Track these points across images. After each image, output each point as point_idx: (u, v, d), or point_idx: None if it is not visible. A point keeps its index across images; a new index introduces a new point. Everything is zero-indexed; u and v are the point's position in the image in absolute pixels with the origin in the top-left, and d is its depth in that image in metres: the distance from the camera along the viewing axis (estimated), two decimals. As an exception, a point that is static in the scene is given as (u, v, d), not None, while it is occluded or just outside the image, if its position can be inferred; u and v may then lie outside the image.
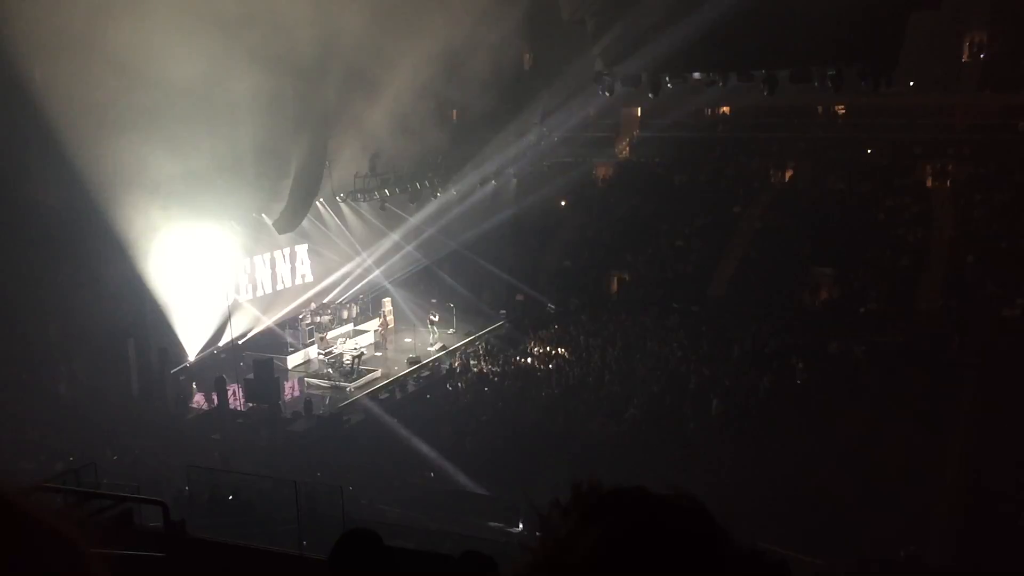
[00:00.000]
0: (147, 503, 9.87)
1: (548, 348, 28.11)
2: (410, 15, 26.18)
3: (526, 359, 27.61)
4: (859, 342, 25.48)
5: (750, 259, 31.15)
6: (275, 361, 26.31)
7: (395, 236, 32.32)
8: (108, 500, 9.26)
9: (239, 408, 25.11)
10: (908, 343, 24.91)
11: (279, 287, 30.77)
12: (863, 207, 32.17)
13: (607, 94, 25.10)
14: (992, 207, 30.56)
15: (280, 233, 29.81)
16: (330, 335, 28.32)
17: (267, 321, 29.03)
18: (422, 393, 26.36)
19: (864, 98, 29.30)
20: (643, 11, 22.48)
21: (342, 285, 32.06)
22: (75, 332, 24.19)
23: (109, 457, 19.70)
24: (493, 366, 27.26)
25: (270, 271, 30.50)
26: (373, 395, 25.71)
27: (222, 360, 27.16)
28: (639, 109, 38.63)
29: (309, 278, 31.96)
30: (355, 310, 30.87)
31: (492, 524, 17.46)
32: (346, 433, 23.16)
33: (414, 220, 32.62)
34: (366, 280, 32.13)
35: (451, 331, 30.29)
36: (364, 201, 30.89)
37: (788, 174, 36.03)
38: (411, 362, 27.76)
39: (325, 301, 31.10)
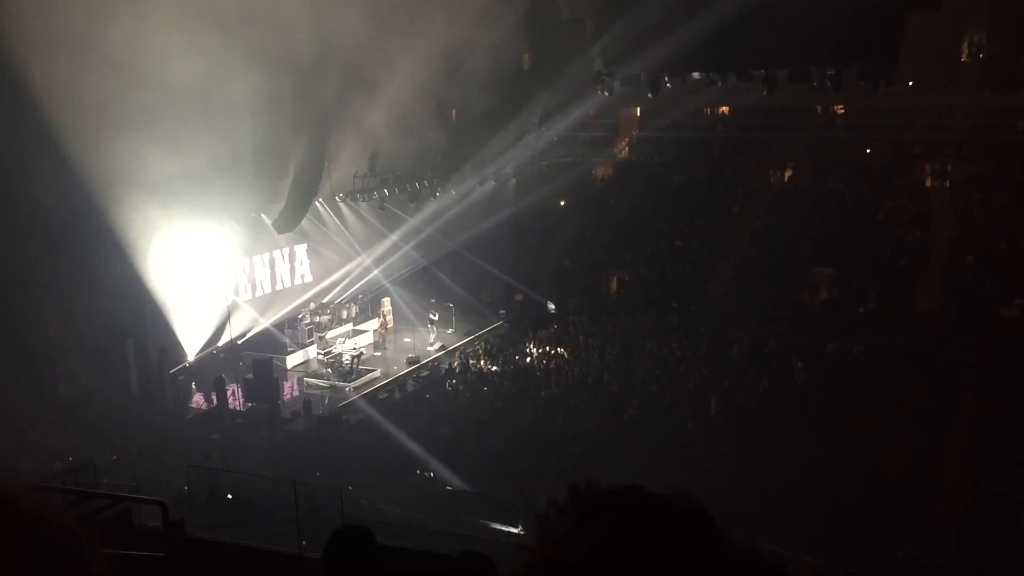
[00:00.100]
0: (146, 503, 9.87)
1: (547, 348, 28.12)
2: (409, 15, 26.18)
3: (525, 359, 27.61)
4: (858, 342, 25.49)
5: (749, 259, 31.16)
6: (274, 361, 26.31)
7: (394, 237, 32.33)
8: (107, 500, 9.25)
9: (238, 408, 25.10)
10: (907, 343, 24.91)
11: (278, 287, 30.77)
12: (862, 207, 32.18)
13: (606, 94, 25.12)
14: (991, 207, 30.57)
15: (279, 233, 29.81)
16: (329, 335, 28.32)
17: (264, 323, 29.00)
18: (421, 393, 26.36)
19: (863, 98, 29.32)
20: (642, 11, 22.49)
21: (341, 285, 32.07)
22: (74, 332, 24.19)
23: (108, 457, 19.71)
24: (492, 366, 27.26)
25: (269, 271, 30.50)
26: (372, 395, 25.71)
27: (221, 360, 27.16)
28: (638, 109, 38.67)
29: (308, 278, 31.97)
30: (354, 310, 30.87)
31: (495, 526, 17.45)
32: (345, 433, 23.15)
33: (413, 220, 32.62)
34: (365, 280, 32.13)
35: (450, 331, 30.29)
36: (363, 201, 30.90)
37: (787, 174, 36.07)
38: (410, 362, 27.76)
39: (324, 301, 31.10)
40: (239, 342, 27.89)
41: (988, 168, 32.22)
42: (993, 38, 33.61)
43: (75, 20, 19.81)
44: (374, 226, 32.20)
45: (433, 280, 32.84)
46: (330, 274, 32.00)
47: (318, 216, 31.56)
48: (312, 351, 28.25)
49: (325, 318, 29.46)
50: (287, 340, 28.66)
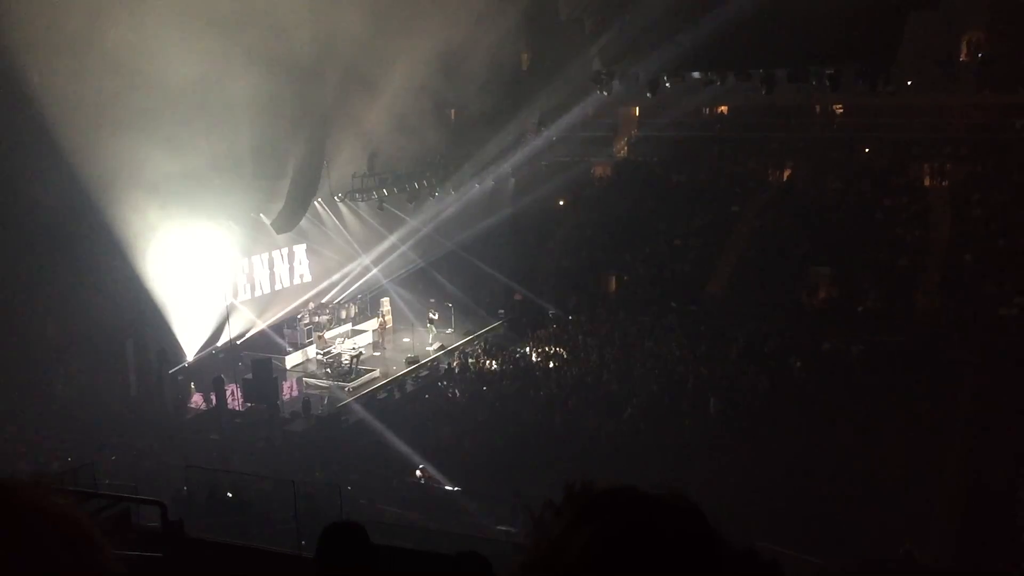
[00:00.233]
0: (145, 503, 9.87)
1: (546, 347, 28.12)
2: (408, 15, 26.19)
3: (524, 358, 27.61)
4: (857, 341, 25.51)
5: (748, 258, 31.17)
6: (273, 361, 26.31)
7: (393, 238, 32.34)
8: (106, 500, 9.25)
9: (237, 408, 25.09)
10: (906, 342, 24.93)
11: (277, 287, 30.77)
12: (861, 206, 32.19)
13: (605, 93, 25.13)
14: (990, 207, 30.59)
15: (278, 233, 29.81)
16: (328, 335, 28.30)
17: (261, 324, 28.98)
18: (420, 393, 26.36)
19: (862, 98, 29.31)
20: (641, 11, 22.51)
21: (340, 285, 32.07)
22: (73, 332, 24.16)
23: (107, 457, 19.71)
24: (491, 365, 27.26)
25: (268, 271, 30.50)
26: (371, 395, 25.70)
27: (220, 360, 27.15)
28: (637, 108, 38.67)
29: (307, 278, 31.97)
30: (353, 310, 30.86)
31: (499, 527, 17.44)
32: (344, 433, 23.15)
33: (412, 220, 32.63)
34: (364, 280, 32.13)
35: (449, 330, 30.28)
36: (362, 201, 30.90)
37: (786, 173, 36.06)
38: (409, 362, 27.75)
39: (323, 301, 31.09)
40: (238, 342, 27.89)
41: (987, 167, 32.25)
42: (992, 38, 33.62)
43: (74, 20, 19.82)
44: (373, 226, 32.20)
45: (432, 280, 32.85)
46: (329, 274, 32.00)
47: (317, 216, 31.57)
48: (311, 351, 28.25)
49: (324, 318, 29.45)
50: (283, 343, 28.58)
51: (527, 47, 34.18)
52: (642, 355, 26.22)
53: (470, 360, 27.68)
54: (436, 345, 29.10)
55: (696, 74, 23.99)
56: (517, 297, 32.48)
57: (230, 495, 16.99)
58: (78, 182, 21.71)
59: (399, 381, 26.78)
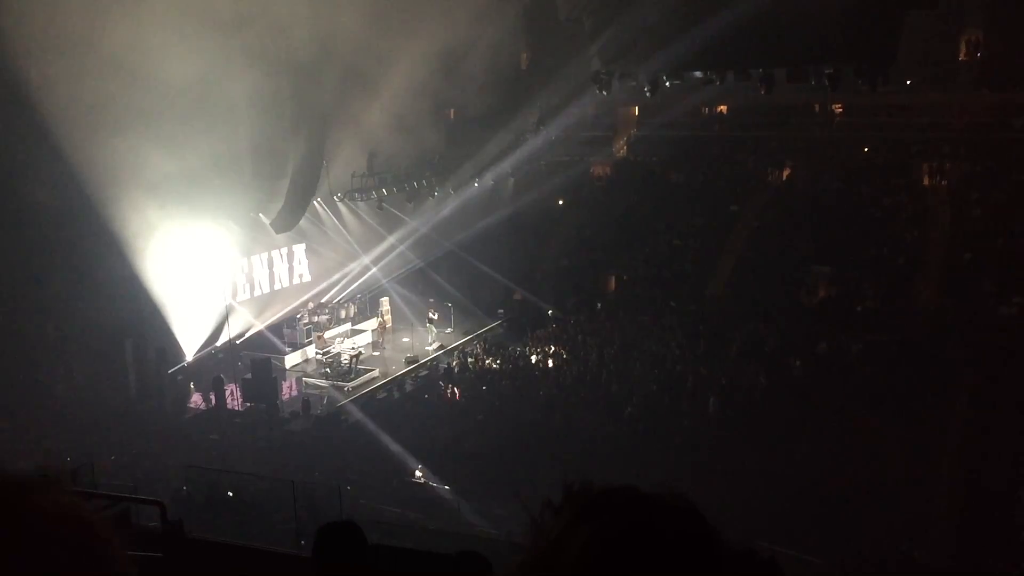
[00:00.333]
0: (144, 503, 9.87)
1: (546, 347, 28.12)
2: (407, 14, 26.20)
3: (524, 358, 27.61)
4: (856, 341, 25.51)
5: (747, 258, 31.18)
6: (273, 361, 26.31)
7: (392, 239, 32.34)
8: (105, 500, 9.24)
9: (237, 408, 25.10)
10: (905, 341, 24.93)
11: (277, 287, 30.76)
12: (860, 206, 32.20)
13: (604, 93, 25.11)
14: (989, 205, 30.60)
15: (277, 233, 29.82)
16: (328, 335, 28.31)
17: (259, 325, 28.98)
18: (420, 392, 26.36)
19: (861, 97, 29.33)
20: (641, 10, 22.50)
21: (340, 285, 32.06)
22: (72, 332, 24.16)
23: (106, 457, 19.68)
24: (491, 365, 27.26)
25: (268, 271, 30.50)
26: (371, 395, 25.71)
27: (220, 360, 27.15)
28: (636, 108, 38.66)
29: (307, 278, 31.97)
30: (353, 310, 30.86)
31: (498, 527, 17.43)
32: (344, 432, 23.14)
33: (412, 220, 32.63)
34: (363, 279, 32.13)
35: (449, 330, 30.28)
36: (362, 200, 30.89)
37: (785, 173, 36.05)
38: (409, 361, 27.76)
39: (323, 301, 31.09)
40: (238, 342, 27.89)
41: (986, 166, 32.24)
42: (990, 36, 33.61)
43: (73, 20, 19.81)
44: (373, 226, 32.20)
45: (431, 280, 32.86)
46: (328, 274, 31.99)
47: (316, 216, 31.56)
48: (311, 351, 28.25)
49: (323, 318, 29.46)
50: (280, 343, 28.55)
51: (526, 47, 34.18)
52: (641, 355, 26.22)
53: (469, 360, 27.69)
54: (435, 345, 29.10)
55: (696, 73, 23.98)
56: (516, 297, 32.48)
57: (230, 495, 16.99)
58: (77, 182, 21.72)
59: (398, 381, 26.79)
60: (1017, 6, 31.77)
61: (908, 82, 33.09)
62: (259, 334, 28.89)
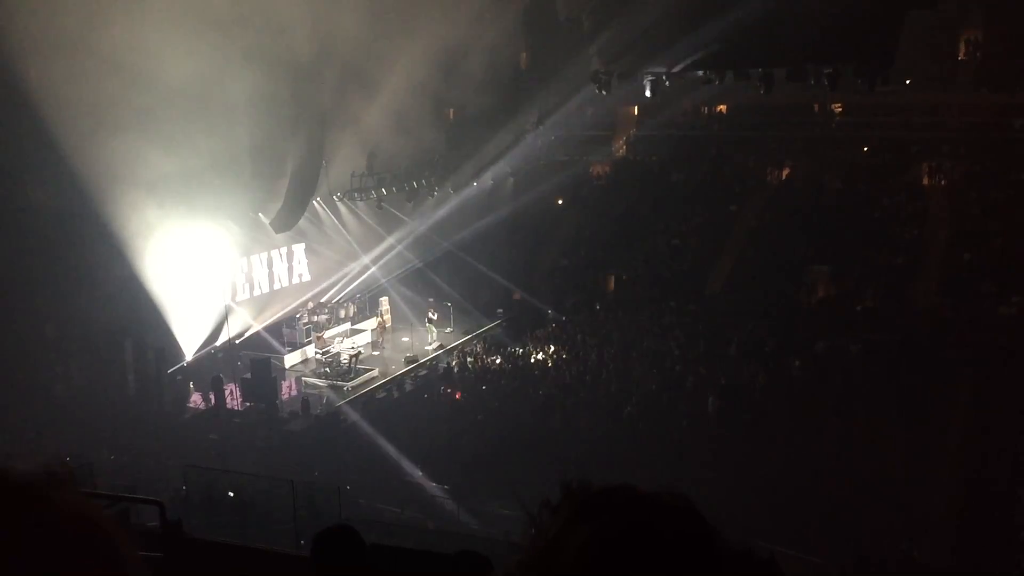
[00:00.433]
0: (144, 503, 9.87)
1: (545, 347, 28.12)
2: (406, 14, 26.20)
3: (523, 358, 27.60)
4: (856, 340, 25.51)
5: (747, 257, 31.19)
6: (272, 360, 26.30)
7: (391, 240, 32.34)
8: (104, 500, 9.24)
9: (236, 408, 25.08)
10: (905, 341, 24.94)
11: (276, 286, 30.75)
12: (859, 205, 32.21)
13: (603, 92, 25.12)
14: (988, 205, 30.62)
15: (277, 232, 29.80)
16: (327, 334, 28.29)
17: (258, 326, 28.96)
18: (419, 392, 26.36)
19: (861, 97, 29.33)
20: (640, 10, 22.51)
21: (339, 284, 32.05)
22: (71, 332, 24.15)
23: (105, 457, 19.68)
24: (491, 365, 27.26)
25: (267, 270, 30.48)
26: (370, 394, 25.70)
27: (219, 360, 27.14)
28: (635, 107, 38.67)
29: (306, 277, 31.95)
30: (352, 309, 30.83)
31: (497, 526, 17.43)
32: (343, 432, 23.14)
33: (411, 220, 32.63)
34: (362, 279, 32.12)
35: (448, 330, 30.28)
36: (361, 200, 30.88)
37: (785, 172, 36.08)
38: (408, 361, 27.75)
39: (322, 300, 31.08)
40: (237, 342, 27.88)
41: (985, 166, 32.26)
42: (990, 37, 33.65)
43: (72, 20, 19.81)
44: (372, 225, 32.20)
45: (431, 280, 32.86)
46: (328, 274, 31.98)
47: (316, 215, 31.55)
48: (310, 350, 28.24)
49: (323, 317, 29.43)
50: (277, 344, 28.53)
51: (526, 47, 34.16)
52: (641, 354, 26.23)
53: (469, 359, 27.69)
54: (435, 344, 29.10)
55: (698, 73, 23.99)
56: (516, 297, 32.47)
57: (231, 495, 16.98)
58: (76, 182, 21.71)
59: (398, 380, 26.78)
60: (1017, 6, 31.78)
61: (908, 82, 33.11)
62: (258, 334, 28.87)
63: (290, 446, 21.85)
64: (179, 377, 26.33)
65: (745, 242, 32.08)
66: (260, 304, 29.60)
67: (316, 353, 27.66)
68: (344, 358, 26.92)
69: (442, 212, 33.13)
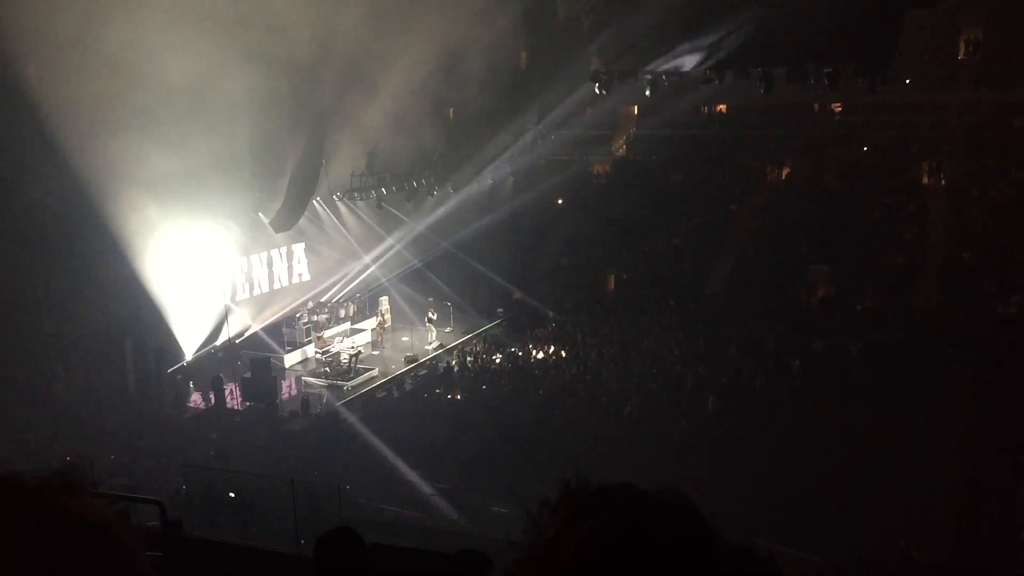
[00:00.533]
0: (144, 502, 9.87)
1: (545, 346, 28.12)
2: (406, 14, 26.17)
3: (523, 357, 27.61)
4: (856, 340, 25.51)
5: (747, 257, 31.17)
6: (272, 360, 26.30)
7: (391, 240, 32.33)
8: (104, 500, 9.23)
9: (236, 407, 25.09)
10: (905, 341, 24.94)
11: (276, 286, 30.75)
12: (859, 205, 32.20)
13: (603, 92, 25.12)
14: (988, 205, 30.60)
15: (277, 232, 29.80)
16: (327, 334, 28.30)
17: (257, 326, 28.96)
18: (419, 392, 26.37)
19: (860, 96, 29.33)
20: (640, 9, 22.52)
21: (339, 284, 32.05)
22: (71, 331, 24.16)
23: (105, 456, 19.69)
24: (490, 364, 27.26)
25: (267, 270, 30.47)
26: (370, 394, 25.70)
27: (219, 359, 27.14)
28: (635, 107, 38.65)
29: (306, 277, 31.95)
30: (352, 309, 30.83)
31: (496, 525, 17.44)
32: (343, 432, 23.14)
33: (411, 220, 32.62)
34: (362, 278, 32.12)
35: (448, 329, 30.28)
36: (361, 200, 30.88)
37: (784, 172, 36.06)
38: (408, 361, 27.75)
39: (322, 300, 31.08)
40: (237, 341, 27.88)
41: (985, 165, 32.23)
42: (990, 36, 33.62)
43: (72, 20, 19.79)
44: (372, 225, 32.20)
45: (430, 280, 32.85)
46: (328, 273, 31.98)
47: (315, 215, 31.55)
48: (310, 350, 28.24)
49: (323, 317, 29.43)
50: (275, 345, 28.52)
51: (526, 46, 34.14)
52: (640, 354, 26.23)
53: (468, 359, 27.70)
54: (435, 344, 29.10)
55: (696, 71, 23.99)
56: (515, 296, 32.47)
57: (231, 495, 16.99)
58: (76, 182, 21.70)
59: (398, 380, 26.78)
60: (1017, 6, 31.76)
61: (907, 81, 33.09)
62: (258, 334, 28.86)
63: (290, 446, 21.86)
64: (179, 377, 26.33)
65: (745, 242, 32.07)
66: (260, 304, 29.60)
67: (316, 353, 27.67)
68: (344, 358, 26.92)
69: (442, 212, 33.13)
